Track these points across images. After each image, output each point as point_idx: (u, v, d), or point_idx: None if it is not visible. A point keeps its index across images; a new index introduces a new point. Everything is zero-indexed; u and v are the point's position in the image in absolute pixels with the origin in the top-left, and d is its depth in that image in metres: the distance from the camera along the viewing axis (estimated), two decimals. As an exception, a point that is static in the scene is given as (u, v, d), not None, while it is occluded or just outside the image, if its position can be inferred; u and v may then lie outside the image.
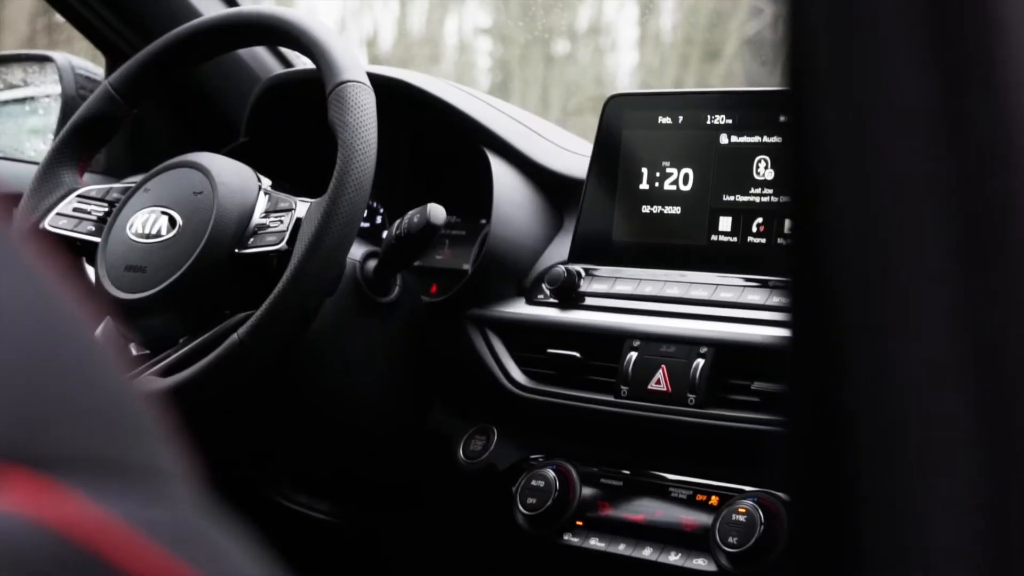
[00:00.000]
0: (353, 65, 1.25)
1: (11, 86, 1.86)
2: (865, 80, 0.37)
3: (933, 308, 0.36)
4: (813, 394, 0.38)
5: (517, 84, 4.48)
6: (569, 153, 1.47)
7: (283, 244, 1.22)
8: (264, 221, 1.26)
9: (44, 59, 1.73)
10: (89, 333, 0.33)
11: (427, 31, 4.79)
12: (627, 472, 1.27)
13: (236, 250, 1.25)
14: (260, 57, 1.65)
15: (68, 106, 1.64)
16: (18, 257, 0.32)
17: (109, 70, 1.67)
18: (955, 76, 0.36)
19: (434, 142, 1.55)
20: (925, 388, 0.36)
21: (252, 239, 1.26)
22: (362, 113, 1.22)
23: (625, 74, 4.60)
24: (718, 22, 4.21)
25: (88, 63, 1.71)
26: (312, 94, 1.30)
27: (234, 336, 1.19)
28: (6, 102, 1.89)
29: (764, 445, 1.13)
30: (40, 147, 1.78)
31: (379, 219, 1.61)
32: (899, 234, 0.36)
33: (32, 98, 1.83)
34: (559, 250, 1.39)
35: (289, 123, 1.57)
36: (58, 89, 1.70)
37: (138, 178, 1.39)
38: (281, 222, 1.24)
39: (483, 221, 1.51)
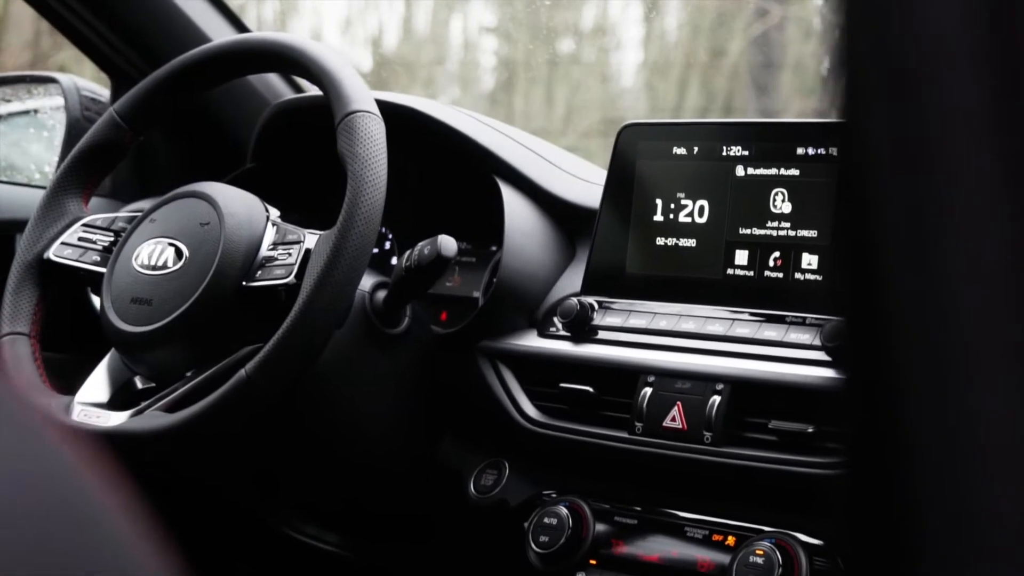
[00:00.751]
0: (363, 94, 1.23)
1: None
2: (921, 97, 0.36)
3: (997, 331, 0.35)
4: (872, 432, 0.37)
5: (522, 83, 4.46)
6: (581, 182, 1.45)
7: (291, 278, 1.20)
8: (272, 253, 1.24)
9: (49, 80, 1.71)
10: (111, 519, 0.31)
11: (432, 30, 4.78)
12: (642, 510, 1.25)
13: (243, 283, 1.23)
14: (269, 82, 1.63)
15: (73, 128, 1.62)
16: (33, 443, 0.30)
17: (114, 92, 1.66)
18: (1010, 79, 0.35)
19: (444, 168, 1.53)
20: (991, 417, 0.35)
21: (260, 271, 1.23)
22: (372, 144, 1.20)
23: (630, 73, 4.59)
24: (723, 22, 4.20)
25: (93, 84, 1.69)
26: (321, 121, 1.28)
27: (241, 372, 1.17)
28: (11, 115, 1.87)
29: (813, 489, 1.11)
30: (44, 168, 1.76)
31: (388, 245, 1.59)
32: (959, 253, 0.35)
33: (35, 111, 1.82)
34: (571, 281, 1.37)
35: (297, 149, 1.55)
36: (62, 102, 1.68)
37: (143, 204, 1.37)
38: (289, 254, 1.22)
39: (493, 248, 1.49)
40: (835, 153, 1.21)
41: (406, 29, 4.75)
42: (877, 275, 0.37)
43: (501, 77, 4.60)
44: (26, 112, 1.84)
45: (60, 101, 1.69)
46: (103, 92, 1.68)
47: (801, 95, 4.06)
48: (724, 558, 1.18)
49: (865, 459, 0.38)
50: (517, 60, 4.49)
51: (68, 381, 1.30)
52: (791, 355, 1.18)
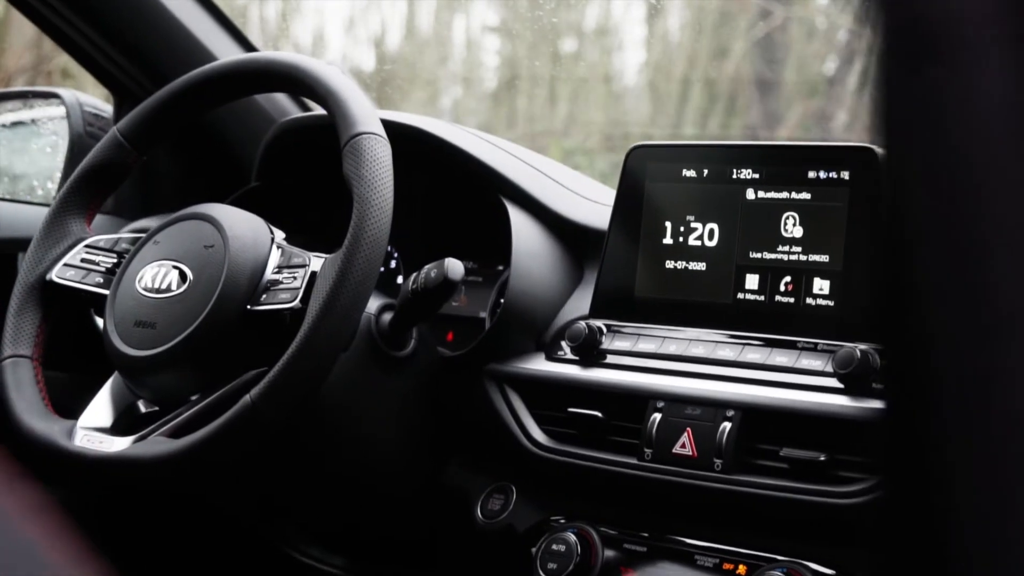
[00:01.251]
0: (369, 116, 1.22)
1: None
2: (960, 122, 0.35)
3: None
4: (912, 459, 0.37)
5: (525, 82, 4.46)
6: (589, 202, 1.43)
7: (297, 302, 1.19)
8: (277, 277, 1.22)
9: (51, 96, 1.70)
10: None
11: (435, 30, 4.76)
12: (651, 537, 1.24)
13: (248, 306, 1.22)
14: (275, 100, 1.61)
15: (75, 144, 1.61)
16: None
17: (117, 109, 1.64)
18: None
19: (450, 188, 1.51)
20: None
21: (265, 295, 1.22)
22: (378, 166, 1.18)
23: (632, 73, 4.58)
24: (726, 22, 4.19)
25: (95, 100, 1.68)
26: (327, 140, 1.27)
27: (246, 398, 1.15)
28: (13, 124, 1.86)
29: (825, 517, 1.10)
30: (48, 185, 1.74)
31: (393, 264, 1.57)
32: (998, 284, 0.35)
33: (33, 120, 1.80)
34: (579, 304, 1.35)
35: (302, 168, 1.54)
36: (63, 115, 1.67)
37: (146, 222, 1.36)
38: (295, 278, 1.21)
39: (500, 267, 1.47)
40: (847, 177, 1.20)
41: (409, 29, 4.74)
42: (919, 315, 0.36)
43: (504, 77, 4.59)
44: (25, 123, 1.83)
45: (62, 112, 1.67)
46: (106, 108, 1.66)
47: (804, 96, 4.05)
48: (734, 587, 1.17)
49: (903, 487, 0.37)
50: (520, 60, 4.48)
51: (71, 401, 1.29)
52: (803, 382, 1.17)
